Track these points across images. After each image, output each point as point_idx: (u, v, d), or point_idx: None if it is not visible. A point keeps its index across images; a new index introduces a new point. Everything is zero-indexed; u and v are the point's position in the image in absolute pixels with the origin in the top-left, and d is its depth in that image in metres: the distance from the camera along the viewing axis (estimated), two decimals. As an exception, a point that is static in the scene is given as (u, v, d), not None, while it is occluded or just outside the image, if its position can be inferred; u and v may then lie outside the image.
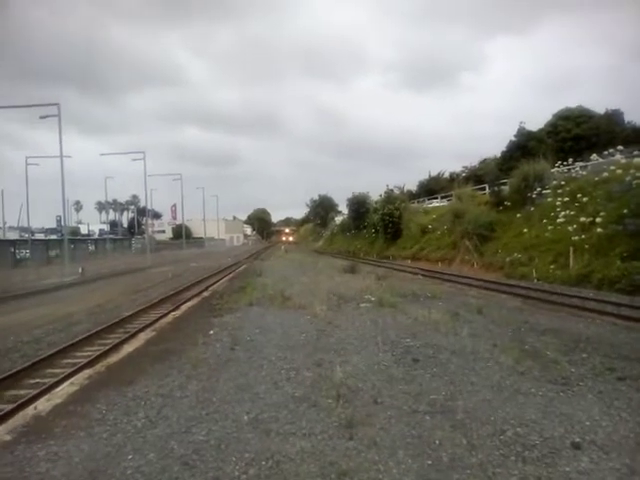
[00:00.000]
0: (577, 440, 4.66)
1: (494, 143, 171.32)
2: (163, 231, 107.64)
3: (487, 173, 34.96)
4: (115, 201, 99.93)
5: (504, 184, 28.35)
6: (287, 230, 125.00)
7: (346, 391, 6.16)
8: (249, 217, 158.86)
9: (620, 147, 24.13)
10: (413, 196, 51.20)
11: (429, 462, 4.33)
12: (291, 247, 71.45)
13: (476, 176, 40.48)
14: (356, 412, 5.48)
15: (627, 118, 38.46)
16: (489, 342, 8.66)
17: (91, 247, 57.34)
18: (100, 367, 8.25)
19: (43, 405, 6.44)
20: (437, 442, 4.70)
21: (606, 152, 24.53)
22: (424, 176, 58.69)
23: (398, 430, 5.02)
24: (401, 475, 4.12)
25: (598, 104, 38.65)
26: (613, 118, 37.46)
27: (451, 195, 35.45)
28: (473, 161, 52.05)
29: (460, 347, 8.27)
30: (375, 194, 48.51)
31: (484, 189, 32.74)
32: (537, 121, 51.99)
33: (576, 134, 36.19)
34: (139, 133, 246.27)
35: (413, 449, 4.59)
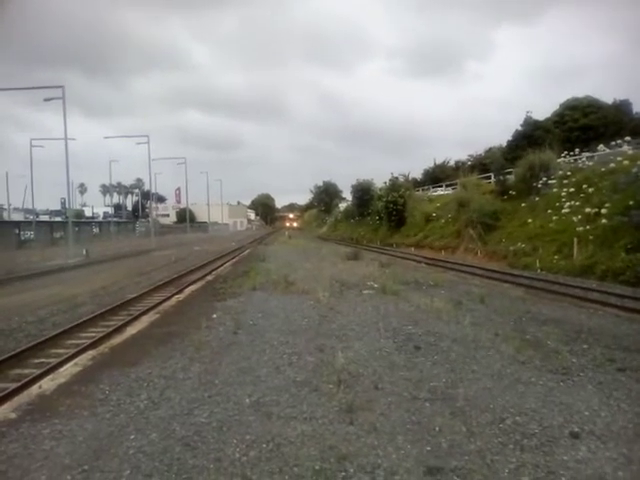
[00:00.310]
0: (576, 429, 4.68)
1: (498, 132, 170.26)
2: (167, 215, 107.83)
3: (493, 162, 34.76)
4: (119, 184, 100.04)
5: (509, 173, 28.21)
6: (291, 215, 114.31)
7: (347, 376, 6.20)
8: (253, 202, 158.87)
9: (628, 138, 23.95)
10: (418, 184, 51.10)
11: (428, 448, 4.37)
12: (295, 233, 70.83)
13: (482, 164, 40.29)
14: (357, 397, 5.52)
15: (635, 109, 38.15)
16: (491, 331, 8.68)
17: (95, 229, 57.62)
18: (104, 348, 8.33)
19: (47, 384, 6.52)
20: (436, 429, 4.74)
21: (613, 143, 24.35)
22: (428, 164, 58.62)
23: (398, 416, 5.06)
24: (400, 460, 4.16)
25: (604, 94, 38.54)
26: (621, 108, 37.16)
27: (456, 183, 35.32)
28: (478, 149, 51.89)
29: (462, 335, 8.30)
30: (379, 181, 48.39)
31: (489, 178, 32.58)
32: (542, 110, 51.43)
33: (583, 124, 36.00)
34: (143, 116, 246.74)
35: (412, 435, 4.63)
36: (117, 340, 8.92)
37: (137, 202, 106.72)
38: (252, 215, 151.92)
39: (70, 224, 34.38)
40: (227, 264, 24.14)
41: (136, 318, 10.69)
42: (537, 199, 23.71)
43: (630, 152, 21.14)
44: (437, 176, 51.25)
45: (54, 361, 7.47)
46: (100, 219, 78.29)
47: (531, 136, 34.10)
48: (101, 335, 9.04)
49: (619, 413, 5.10)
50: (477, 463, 4.07)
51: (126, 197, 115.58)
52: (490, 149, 48.33)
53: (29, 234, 40.89)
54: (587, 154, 25.93)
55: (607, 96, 39.40)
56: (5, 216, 60.27)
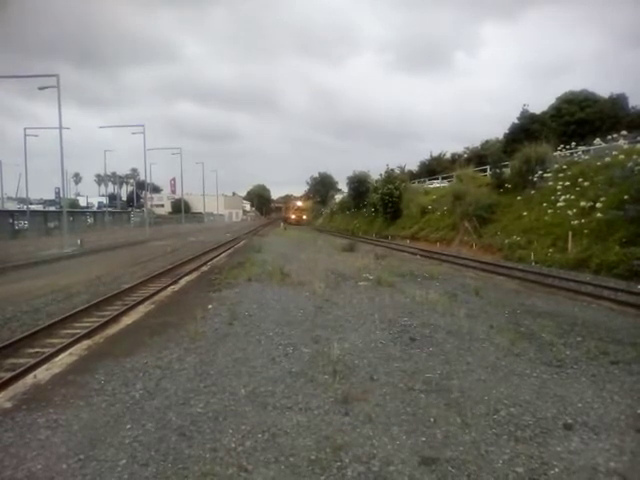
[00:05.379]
0: (569, 421, 4.73)
1: (491, 125, 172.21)
2: (162, 205, 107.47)
3: (492, 154, 34.76)
4: (114, 174, 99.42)
5: (505, 166, 28.24)
6: (299, 204, 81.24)
7: (343, 368, 6.23)
8: (248, 193, 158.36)
9: (624, 132, 23.98)
10: (414, 176, 51.06)
11: (423, 439, 4.40)
12: (289, 224, 67.52)
13: (478, 157, 40.28)
14: (352, 388, 5.55)
15: (632, 103, 38.08)
16: (485, 323, 8.73)
17: (90, 219, 57.35)
18: (99, 338, 8.31)
19: (42, 374, 6.51)
20: (431, 420, 4.77)
21: (609, 137, 24.38)
22: (422, 157, 58.66)
23: (393, 407, 5.08)
24: (395, 451, 4.18)
25: (592, 88, 38.30)
26: (617, 103, 37.08)
27: (452, 176, 35.32)
28: (473, 142, 51.98)
29: (457, 327, 8.34)
30: (374, 174, 48.39)
31: (485, 171, 32.60)
32: (534, 104, 51.58)
33: (580, 118, 35.93)
34: (136, 108, 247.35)
35: (407, 426, 4.66)
36: (112, 330, 8.91)
37: (132, 192, 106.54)
38: (247, 206, 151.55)
39: (65, 214, 34.14)
40: (222, 255, 24.10)
41: (131, 308, 10.67)
42: (533, 192, 23.76)
43: (626, 146, 21.15)
44: (433, 168, 51.23)
45: (49, 351, 7.44)
46: (95, 209, 78.01)
47: (528, 129, 34.12)
48: (96, 325, 9.01)
49: (612, 405, 5.14)
50: (471, 454, 4.11)
51: (121, 187, 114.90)
52: (487, 142, 48.34)
53: (23, 223, 40.68)
54: (583, 148, 25.96)
55: (595, 89, 39.19)
56: (-1, 205, 59.89)
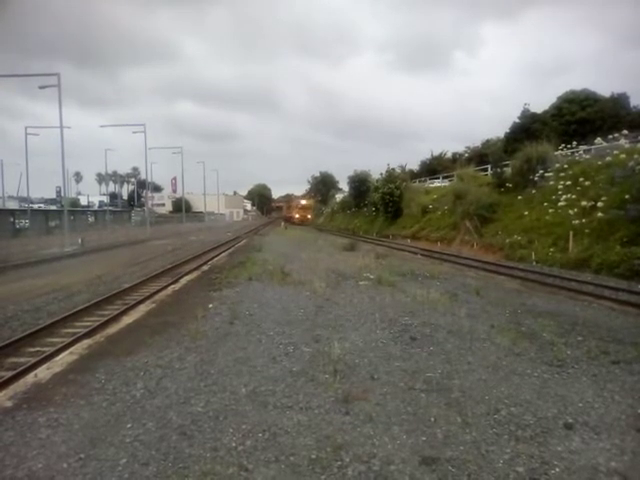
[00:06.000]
0: (570, 421, 4.72)
1: (491, 125, 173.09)
2: (163, 204, 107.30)
3: (492, 153, 34.73)
4: (115, 173, 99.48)
5: (506, 165, 28.22)
6: (303, 202, 75.04)
7: (343, 367, 6.22)
8: (249, 192, 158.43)
9: (625, 132, 23.95)
10: (414, 175, 51.03)
11: (423, 438, 4.40)
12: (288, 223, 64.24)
13: (479, 156, 40.24)
14: (353, 388, 5.54)
15: (633, 102, 38.02)
16: (486, 323, 8.72)
17: (91, 218, 57.30)
18: (99, 337, 8.31)
19: (43, 373, 6.51)
20: (432, 419, 4.77)
21: (611, 136, 24.36)
22: (423, 157, 58.67)
23: (394, 406, 5.08)
24: (396, 450, 4.18)
25: (593, 88, 38.24)
26: (619, 102, 37.02)
27: (453, 175, 35.30)
28: (473, 142, 52.01)
29: (457, 327, 8.33)
30: (375, 174, 48.41)
31: (486, 170, 32.57)
32: (535, 104, 51.72)
33: (581, 117, 35.87)
34: (137, 108, 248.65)
35: (408, 425, 4.65)
36: (113, 329, 8.91)
37: (133, 191, 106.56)
38: (248, 205, 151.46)
39: (66, 213, 34.12)
40: (223, 254, 24.09)
41: (132, 307, 10.67)
42: (534, 192, 23.75)
43: (627, 146, 21.15)
44: (434, 168, 51.21)
45: (50, 350, 7.45)
46: (96, 208, 78.11)
47: (529, 128, 34.08)
48: (97, 324, 9.01)
49: (613, 405, 5.14)
50: (472, 453, 4.10)
51: (122, 186, 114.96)
52: (488, 141, 48.33)
53: (24, 222, 40.65)
54: (584, 147, 25.95)
55: (597, 90, 39.06)
56: (0, 204, 59.93)
